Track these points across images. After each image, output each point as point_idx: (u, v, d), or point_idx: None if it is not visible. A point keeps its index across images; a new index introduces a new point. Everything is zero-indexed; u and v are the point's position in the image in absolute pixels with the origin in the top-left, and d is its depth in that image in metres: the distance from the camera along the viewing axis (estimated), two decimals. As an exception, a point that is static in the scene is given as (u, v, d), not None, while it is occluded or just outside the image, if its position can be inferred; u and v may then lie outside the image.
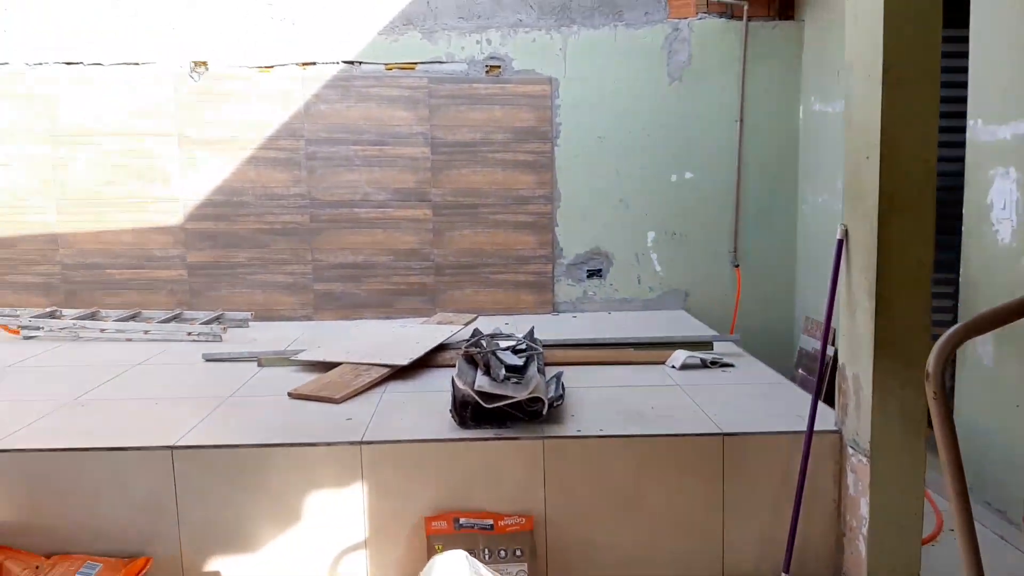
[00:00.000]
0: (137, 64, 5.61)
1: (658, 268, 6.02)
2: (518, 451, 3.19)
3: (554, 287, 6.03)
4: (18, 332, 5.35)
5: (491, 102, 5.77)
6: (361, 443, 3.17)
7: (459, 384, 3.35)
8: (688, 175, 5.92)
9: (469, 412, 3.26)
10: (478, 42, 5.69)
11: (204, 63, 5.60)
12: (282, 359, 4.51)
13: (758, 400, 3.67)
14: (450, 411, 3.31)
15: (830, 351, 4.52)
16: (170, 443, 3.17)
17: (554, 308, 6.04)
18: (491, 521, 3.11)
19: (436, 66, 5.70)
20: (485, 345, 3.72)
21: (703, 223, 5.96)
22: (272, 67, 5.66)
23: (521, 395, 3.15)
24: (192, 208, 5.79)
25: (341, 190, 5.83)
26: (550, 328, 5.25)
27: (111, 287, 5.87)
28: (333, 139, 5.76)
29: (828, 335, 3.21)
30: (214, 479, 3.16)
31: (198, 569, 3.19)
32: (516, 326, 5.32)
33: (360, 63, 5.68)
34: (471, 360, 3.65)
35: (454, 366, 4.33)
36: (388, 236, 5.91)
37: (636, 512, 3.18)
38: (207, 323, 5.40)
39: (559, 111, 5.80)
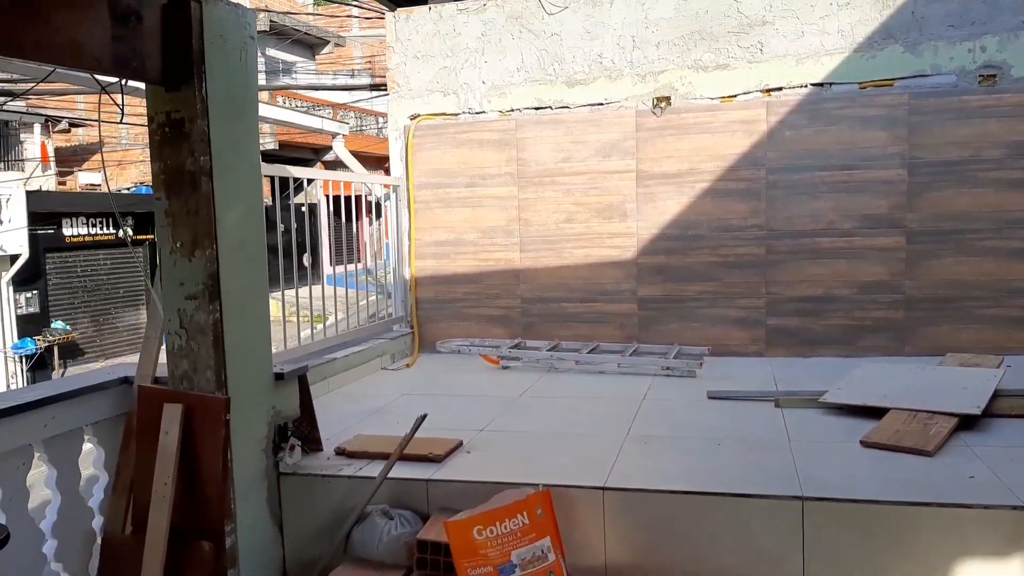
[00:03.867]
0: (602, 104, 5.80)
1: None
2: None
3: (1057, 323, 5.21)
4: (498, 362, 5.71)
5: (984, 115, 5.15)
6: (1027, 509, 2.78)
7: None
8: None
9: None
10: (970, 50, 5.12)
11: (667, 98, 5.64)
12: (805, 401, 4.27)
13: None
14: None
15: None
16: (798, 493, 3.01)
17: (1058, 348, 5.21)
18: None
19: (918, 80, 5.22)
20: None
21: None
22: (734, 96, 5.56)
23: None
24: (646, 242, 5.84)
25: (802, 219, 5.54)
26: None
27: (564, 320, 6.10)
28: (797, 166, 5.50)
29: None
30: (848, 535, 2.93)
31: (821, 631, 2.98)
32: (1020, 369, 4.63)
33: (830, 84, 5.38)
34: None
35: (1015, 416, 3.85)
36: (852, 267, 5.50)
37: None
38: (676, 357, 5.37)
39: (1073, 120, 5.03)
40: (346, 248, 6.67)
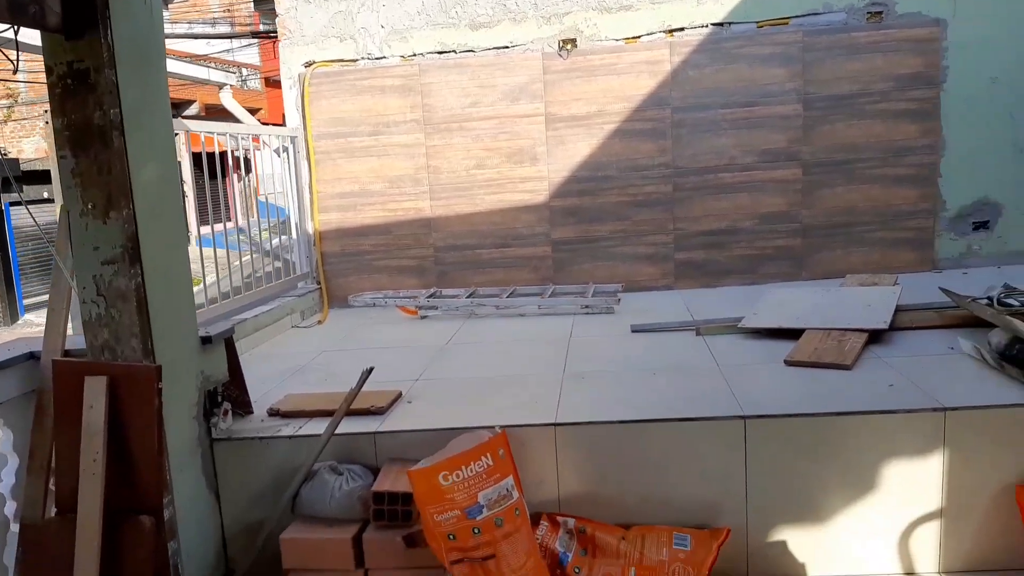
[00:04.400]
0: (508, 47, 5.71)
1: (1056, 217, 5.51)
2: None
3: (935, 243, 5.65)
4: (416, 312, 5.63)
5: (872, 50, 5.44)
6: (945, 409, 3.03)
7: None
8: (1093, 113, 5.36)
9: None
10: (858, -12, 5.38)
11: (573, 40, 5.62)
12: (724, 328, 4.45)
13: None
14: (1029, 374, 3.10)
15: None
16: (739, 413, 3.15)
17: (934, 266, 5.67)
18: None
19: (812, 18, 5.44)
20: (1016, 301, 3.46)
21: (1110, 164, 5.39)
22: (639, 37, 5.60)
23: None
24: (558, 185, 5.87)
25: (706, 156, 5.72)
26: (949, 286, 4.90)
27: (479, 266, 6.07)
28: (701, 104, 5.64)
29: None
30: (785, 447, 3.11)
31: (763, 539, 3.16)
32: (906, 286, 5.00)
33: (730, 24, 5.51)
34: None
35: (914, 328, 4.17)
36: (753, 200, 5.74)
37: None
38: (592, 296, 5.47)
39: (947, 54, 5.38)
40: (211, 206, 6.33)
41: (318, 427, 3.41)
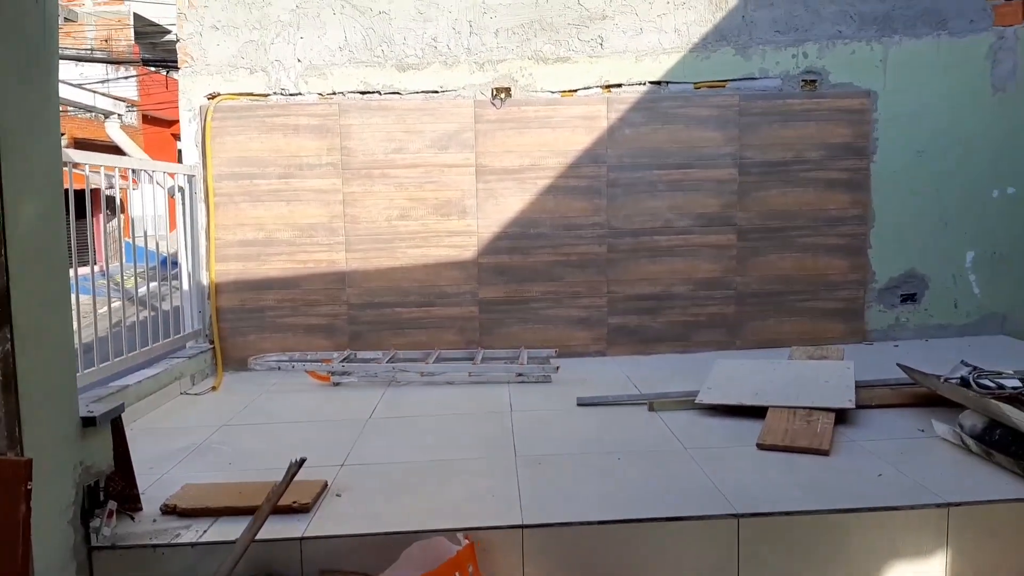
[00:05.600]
0: (438, 92, 5.31)
1: (976, 291, 5.60)
2: None
3: (865, 314, 5.62)
4: (328, 379, 5.02)
5: (806, 118, 5.41)
6: (948, 505, 2.78)
7: None
8: (1011, 190, 5.52)
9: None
10: (794, 56, 5.35)
11: (507, 89, 5.29)
12: (679, 403, 4.13)
13: None
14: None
15: None
16: (727, 509, 2.79)
17: (865, 337, 5.62)
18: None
19: (748, 82, 5.36)
20: (991, 383, 3.31)
21: (1026, 240, 5.56)
22: (575, 91, 5.34)
23: None
24: (487, 241, 5.46)
25: (641, 217, 5.48)
26: (881, 360, 4.85)
27: (398, 327, 5.54)
28: (636, 164, 5.42)
29: None
30: (782, 550, 2.76)
31: (756, 653, 2.79)
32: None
33: (668, 83, 5.35)
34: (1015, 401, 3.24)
35: (875, 406, 3.99)
36: (688, 264, 5.54)
37: None
38: (529, 363, 5.06)
39: (877, 126, 5.43)
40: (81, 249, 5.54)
41: (228, 529, 2.79)
